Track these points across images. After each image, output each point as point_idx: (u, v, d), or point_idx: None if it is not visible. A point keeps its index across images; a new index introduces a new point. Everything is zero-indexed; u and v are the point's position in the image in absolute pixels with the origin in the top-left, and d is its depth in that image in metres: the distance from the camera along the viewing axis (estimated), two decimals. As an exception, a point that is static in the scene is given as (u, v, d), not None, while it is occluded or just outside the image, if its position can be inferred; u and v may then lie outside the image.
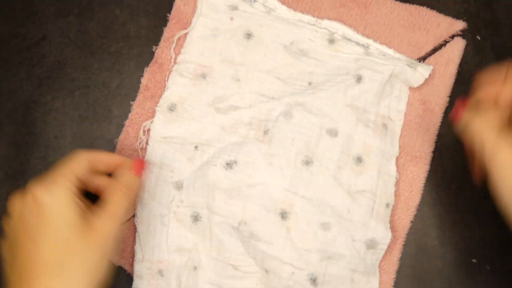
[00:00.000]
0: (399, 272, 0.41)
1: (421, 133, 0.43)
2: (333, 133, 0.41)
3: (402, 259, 0.41)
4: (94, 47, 0.45)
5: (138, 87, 0.43)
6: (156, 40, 0.44)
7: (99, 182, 0.37)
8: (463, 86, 0.44)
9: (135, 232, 0.41)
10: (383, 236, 0.40)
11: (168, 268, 0.40)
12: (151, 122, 0.42)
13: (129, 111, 0.43)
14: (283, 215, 0.40)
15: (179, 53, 0.43)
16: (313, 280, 0.39)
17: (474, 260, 0.41)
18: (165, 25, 0.44)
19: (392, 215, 0.41)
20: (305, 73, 0.43)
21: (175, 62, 0.43)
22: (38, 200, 0.32)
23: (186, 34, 0.44)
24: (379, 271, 0.40)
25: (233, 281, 0.40)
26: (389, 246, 0.40)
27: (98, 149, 0.43)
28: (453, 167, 0.43)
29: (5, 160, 0.43)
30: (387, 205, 0.41)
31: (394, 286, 0.41)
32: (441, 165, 0.42)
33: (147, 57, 0.44)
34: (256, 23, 0.43)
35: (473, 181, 0.36)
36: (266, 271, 0.39)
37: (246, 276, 0.40)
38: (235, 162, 0.40)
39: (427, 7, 0.44)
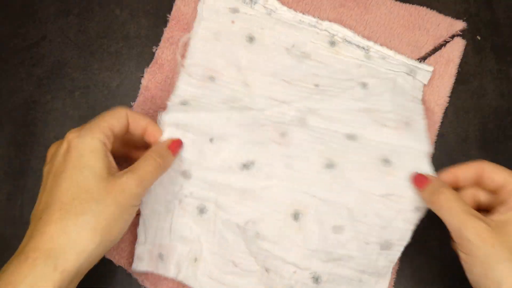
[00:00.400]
0: (399, 272, 0.41)
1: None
2: (352, 137, 0.40)
3: (402, 259, 0.41)
4: (94, 47, 0.45)
5: (138, 87, 0.43)
6: (156, 40, 0.44)
7: (130, 149, 0.38)
8: (463, 86, 0.44)
9: (138, 216, 0.40)
10: (401, 238, 0.39)
11: (168, 254, 0.40)
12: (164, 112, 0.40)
13: None
14: (296, 216, 0.39)
15: (185, 57, 0.43)
16: (316, 279, 0.39)
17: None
18: (165, 25, 0.44)
19: None
20: (310, 75, 0.43)
21: (182, 67, 0.43)
22: (69, 143, 0.33)
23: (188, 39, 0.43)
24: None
25: (233, 277, 0.40)
26: None
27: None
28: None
29: (5, 160, 0.43)
30: (417, 208, 0.38)
31: (394, 286, 0.41)
32: (441, 165, 0.42)
33: (147, 57, 0.44)
34: (258, 25, 0.43)
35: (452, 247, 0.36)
36: (267, 270, 0.39)
37: (245, 274, 0.40)
38: (253, 163, 0.40)
39: (427, 7, 0.44)
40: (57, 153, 0.33)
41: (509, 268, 0.30)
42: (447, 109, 0.43)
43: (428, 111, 0.43)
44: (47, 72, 0.44)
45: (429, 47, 0.44)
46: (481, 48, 0.45)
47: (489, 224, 0.31)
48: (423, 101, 0.43)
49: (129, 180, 0.32)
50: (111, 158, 0.34)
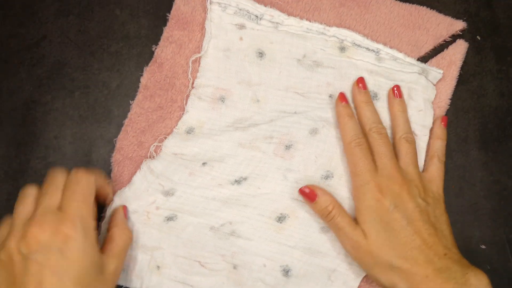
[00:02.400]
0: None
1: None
2: None
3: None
4: (94, 47, 0.45)
5: (138, 87, 0.43)
6: (156, 40, 0.44)
7: None
8: (463, 86, 0.44)
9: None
10: None
11: (129, 264, 0.39)
12: (165, 138, 0.42)
13: (129, 111, 0.43)
14: (280, 219, 0.40)
15: (196, 77, 0.43)
16: (286, 272, 0.39)
17: (474, 260, 0.41)
18: (165, 25, 0.44)
19: None
20: (324, 85, 0.43)
21: (192, 87, 0.43)
22: (67, 236, 0.32)
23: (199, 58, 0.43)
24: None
25: (199, 278, 0.39)
26: None
27: (98, 149, 0.43)
28: (453, 167, 0.43)
29: (5, 160, 0.43)
30: None
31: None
32: (441, 165, 0.42)
33: (147, 57, 0.44)
34: (266, 40, 0.43)
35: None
36: (235, 266, 0.39)
37: (212, 274, 0.39)
38: (245, 179, 0.40)
39: (427, 6, 0.44)
40: (51, 244, 0.31)
41: (376, 270, 0.36)
42: (448, 111, 0.43)
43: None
44: (47, 72, 0.44)
45: (429, 47, 0.44)
46: (481, 48, 0.45)
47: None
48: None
49: (114, 263, 0.34)
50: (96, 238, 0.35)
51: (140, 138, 0.42)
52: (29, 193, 0.36)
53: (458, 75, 0.44)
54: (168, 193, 0.40)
